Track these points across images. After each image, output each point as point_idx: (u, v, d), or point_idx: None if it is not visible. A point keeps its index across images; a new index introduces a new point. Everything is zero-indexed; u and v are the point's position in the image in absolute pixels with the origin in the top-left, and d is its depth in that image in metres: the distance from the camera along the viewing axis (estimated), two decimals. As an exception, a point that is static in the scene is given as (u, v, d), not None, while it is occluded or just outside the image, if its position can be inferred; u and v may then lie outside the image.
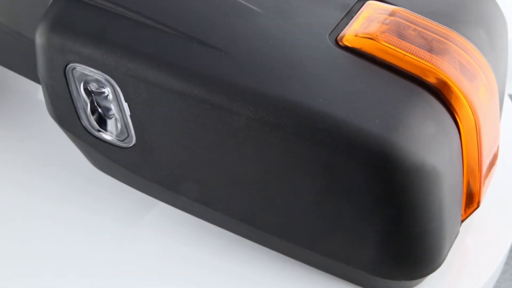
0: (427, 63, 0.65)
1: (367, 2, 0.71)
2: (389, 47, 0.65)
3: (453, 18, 0.72)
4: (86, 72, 0.66)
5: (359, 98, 0.62)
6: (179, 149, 0.66)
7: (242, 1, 0.67)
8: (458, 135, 0.65)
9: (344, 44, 0.66)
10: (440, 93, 0.65)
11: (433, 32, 0.68)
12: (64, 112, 0.70)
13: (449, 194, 0.65)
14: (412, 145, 0.60)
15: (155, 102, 0.64)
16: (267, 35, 0.65)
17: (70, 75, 0.67)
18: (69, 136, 0.72)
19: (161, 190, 0.71)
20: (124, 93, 0.65)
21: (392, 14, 0.69)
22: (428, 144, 0.61)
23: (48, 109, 0.71)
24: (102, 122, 0.69)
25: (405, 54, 0.65)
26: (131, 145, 0.69)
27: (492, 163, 0.73)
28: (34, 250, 0.73)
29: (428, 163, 0.61)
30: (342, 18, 0.69)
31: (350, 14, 0.69)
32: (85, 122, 0.69)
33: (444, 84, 0.65)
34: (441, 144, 0.63)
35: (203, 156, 0.66)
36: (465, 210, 0.71)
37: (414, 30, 0.68)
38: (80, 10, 0.66)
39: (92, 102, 0.68)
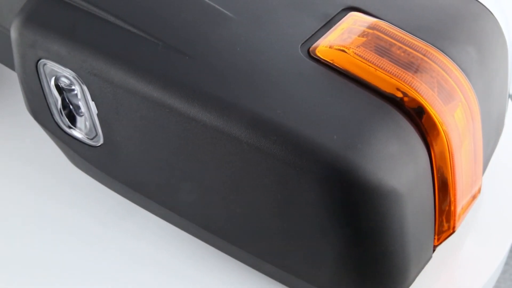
0: (399, 80, 0.63)
1: (350, 13, 0.69)
2: (360, 61, 0.63)
3: (440, 35, 0.69)
4: (55, 69, 0.66)
5: (320, 111, 0.60)
6: (142, 151, 0.66)
7: (216, 6, 0.66)
8: (428, 158, 0.63)
9: (316, 55, 0.64)
10: (411, 113, 0.62)
11: (412, 49, 0.66)
12: (38, 107, 0.70)
13: (414, 217, 0.63)
14: (369, 163, 0.58)
15: (118, 103, 0.64)
16: (235, 41, 0.64)
17: (42, 70, 0.67)
18: (46, 132, 0.73)
19: (129, 191, 0.71)
20: (91, 92, 0.65)
21: (371, 27, 0.67)
22: (388, 164, 0.59)
23: (25, 103, 0.72)
24: (73, 119, 0.70)
25: (376, 69, 0.63)
26: (99, 144, 0.69)
27: (473, 185, 0.70)
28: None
29: (387, 183, 0.59)
30: (320, 28, 0.67)
31: (329, 24, 0.67)
32: (57, 118, 0.70)
33: (415, 103, 0.62)
34: (404, 165, 0.60)
35: (164, 160, 0.65)
36: (438, 235, 0.68)
37: (393, 45, 0.66)
38: (54, 7, 0.66)
39: (63, 99, 0.69)
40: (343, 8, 0.69)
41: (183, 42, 0.63)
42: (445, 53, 0.67)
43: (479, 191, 0.72)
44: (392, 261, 0.63)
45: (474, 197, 0.72)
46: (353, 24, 0.67)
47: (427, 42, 0.67)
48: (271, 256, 0.66)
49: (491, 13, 0.76)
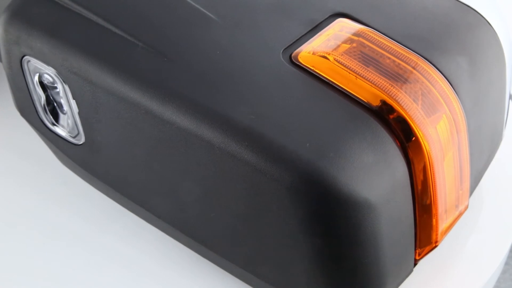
0: (380, 90, 0.61)
1: (337, 20, 0.68)
2: (341, 69, 0.62)
3: (430, 44, 0.67)
4: (38, 66, 0.66)
5: (295, 118, 0.59)
6: (121, 151, 0.66)
7: (200, 8, 0.65)
8: (407, 169, 0.61)
9: (297, 61, 0.63)
10: (390, 123, 0.61)
11: (397, 58, 0.64)
12: (24, 103, 0.71)
13: (390, 230, 0.61)
14: (341, 173, 0.57)
15: (97, 102, 0.64)
16: (216, 44, 0.63)
17: (26, 67, 0.67)
18: (32, 128, 0.73)
19: (110, 190, 0.70)
20: (71, 90, 0.65)
21: (357, 34, 0.65)
22: (362, 174, 0.58)
23: (12, 99, 0.72)
24: (58, 116, 0.70)
25: (357, 78, 0.62)
26: (81, 143, 0.69)
27: (459, 200, 0.69)
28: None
29: (359, 194, 0.57)
30: (305, 34, 0.66)
31: (315, 30, 0.66)
32: (41, 115, 0.70)
33: (395, 113, 0.61)
34: (379, 176, 0.59)
35: (141, 161, 0.65)
36: (419, 249, 0.67)
37: (377, 53, 0.64)
38: (40, 4, 0.66)
39: (47, 96, 0.69)
40: (331, 14, 0.68)
41: (162, 44, 0.63)
42: (433, 63, 0.65)
43: (466, 206, 0.70)
44: (367, 274, 0.62)
45: (461, 213, 0.70)
46: (340, 31, 0.66)
47: (415, 51, 0.66)
48: (246, 262, 0.65)
49: (489, 23, 0.74)
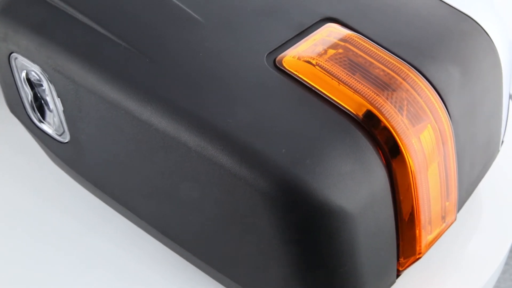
0: (362, 97, 0.60)
1: (326, 25, 0.67)
2: (325, 74, 0.61)
3: (420, 52, 0.66)
4: (25, 63, 0.66)
5: (274, 123, 0.58)
6: (103, 151, 0.66)
7: (187, 9, 0.65)
8: (387, 179, 0.60)
9: (281, 65, 0.62)
10: (372, 132, 0.60)
11: (384, 65, 0.63)
12: (13, 100, 0.71)
13: (369, 240, 0.60)
14: (316, 180, 0.56)
15: (80, 101, 0.64)
16: (199, 46, 0.63)
17: (14, 64, 0.68)
18: (22, 124, 0.73)
19: (95, 189, 0.71)
20: (56, 89, 0.65)
21: (344, 40, 0.64)
22: (338, 182, 0.57)
23: (3, 95, 0.73)
24: (45, 114, 0.70)
25: (340, 84, 0.61)
26: (66, 141, 0.69)
27: (446, 211, 0.67)
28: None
29: (334, 202, 0.57)
30: (292, 38, 0.65)
31: (303, 34, 0.66)
32: (29, 111, 0.70)
33: (377, 122, 0.60)
34: (357, 184, 0.58)
35: (122, 161, 0.65)
36: (403, 260, 0.66)
37: (363, 60, 0.63)
38: (28, 2, 0.66)
39: (35, 93, 0.69)
40: (320, 18, 0.67)
41: (145, 44, 0.62)
42: (421, 72, 0.64)
43: (454, 218, 0.69)
44: (344, 283, 0.61)
45: (448, 224, 0.69)
46: (327, 36, 0.65)
47: (404, 59, 0.65)
48: (223, 266, 0.65)
49: (485, 31, 0.72)
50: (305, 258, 0.59)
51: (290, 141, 0.57)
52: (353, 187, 0.58)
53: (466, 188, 0.72)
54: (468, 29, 0.71)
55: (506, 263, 1.49)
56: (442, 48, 0.68)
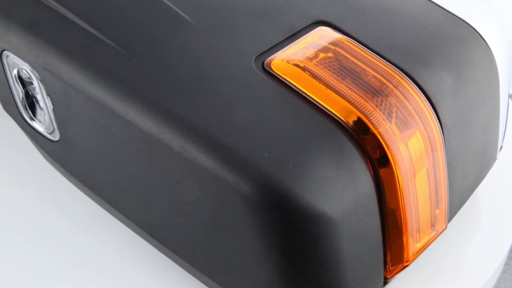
0: (349, 102, 0.60)
1: (318, 28, 0.66)
2: (312, 78, 0.61)
3: (413, 57, 0.65)
4: (16, 61, 0.67)
5: (259, 127, 0.58)
6: (91, 150, 0.66)
7: (177, 10, 0.65)
8: (373, 185, 0.59)
9: (269, 68, 0.62)
10: (358, 137, 0.59)
11: (373, 70, 0.62)
12: (6, 98, 0.71)
13: (353, 245, 0.59)
14: (298, 184, 0.56)
15: (69, 100, 0.64)
16: (187, 47, 0.62)
17: (5, 62, 0.68)
18: (15, 122, 0.74)
19: (84, 188, 0.71)
20: (45, 87, 0.65)
21: (335, 44, 0.64)
22: (321, 187, 0.56)
23: (-3, 92, 0.73)
24: (36, 112, 0.70)
25: (327, 89, 0.60)
26: (56, 139, 0.69)
27: (436, 219, 0.66)
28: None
29: (316, 207, 0.56)
30: (282, 41, 0.65)
31: (294, 37, 0.65)
32: (21, 109, 0.71)
33: (363, 127, 0.59)
34: (341, 190, 0.57)
35: (108, 161, 0.65)
36: (391, 267, 0.65)
37: (353, 64, 0.63)
38: (20, 0, 0.67)
39: (27, 91, 0.69)
40: (313, 21, 0.67)
41: (133, 45, 0.62)
42: (412, 77, 0.63)
43: (444, 227, 0.68)
44: (327, 288, 0.60)
45: (438, 232, 0.68)
46: (319, 39, 0.65)
47: (395, 64, 0.64)
48: (208, 269, 0.64)
49: (482, 37, 0.71)
50: (287, 263, 0.58)
51: (273, 145, 0.57)
52: (336, 192, 0.57)
53: (459, 196, 0.71)
54: (463, 34, 0.70)
55: (506, 263, 1.48)
56: (435, 53, 0.67)
